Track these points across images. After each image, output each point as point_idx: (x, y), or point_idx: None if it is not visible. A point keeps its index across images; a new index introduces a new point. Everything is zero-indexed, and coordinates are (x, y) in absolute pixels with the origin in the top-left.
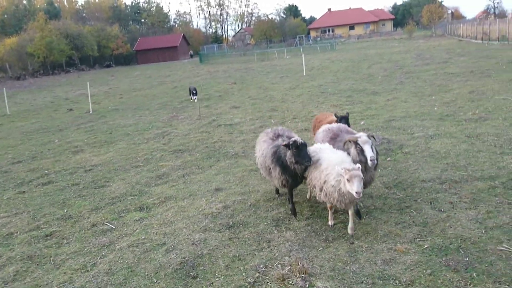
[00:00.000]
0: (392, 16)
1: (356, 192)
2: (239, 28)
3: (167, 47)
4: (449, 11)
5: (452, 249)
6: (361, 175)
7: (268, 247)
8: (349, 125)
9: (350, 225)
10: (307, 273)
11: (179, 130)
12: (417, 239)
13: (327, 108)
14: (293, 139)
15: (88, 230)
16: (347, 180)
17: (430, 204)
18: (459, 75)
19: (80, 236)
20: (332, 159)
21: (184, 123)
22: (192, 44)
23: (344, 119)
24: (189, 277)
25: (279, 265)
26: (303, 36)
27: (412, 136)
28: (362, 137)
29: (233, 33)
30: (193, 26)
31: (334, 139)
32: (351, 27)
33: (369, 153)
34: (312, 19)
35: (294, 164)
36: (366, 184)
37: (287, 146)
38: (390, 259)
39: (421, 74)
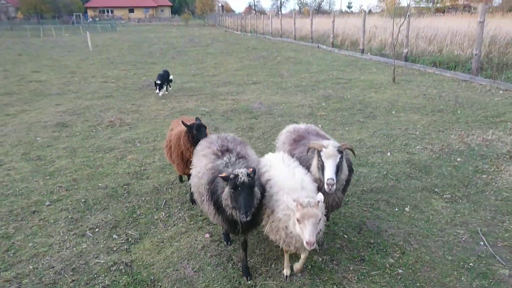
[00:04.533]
0: (170, 4)
1: (306, 242)
2: None
3: None
4: (220, 4)
5: None
6: (319, 215)
7: (100, 117)
8: (202, 135)
9: (298, 263)
10: (122, 119)
11: None
12: None
13: (118, 72)
14: (236, 171)
15: None
16: (297, 220)
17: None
18: (213, 54)
19: None
20: (285, 181)
21: None
22: None
23: (193, 127)
24: (64, 127)
25: (109, 117)
26: (80, 14)
27: (175, 83)
28: (328, 147)
29: None
30: None
31: (297, 143)
32: (131, 9)
33: (328, 173)
34: None
35: (231, 208)
36: (328, 207)
37: (225, 179)
38: None
39: (188, 52)
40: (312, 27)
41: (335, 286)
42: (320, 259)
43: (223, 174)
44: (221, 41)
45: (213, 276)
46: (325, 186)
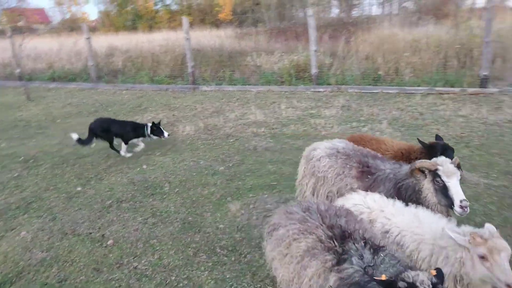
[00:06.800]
0: None
1: (508, 285)
2: None
3: None
4: None
5: None
6: (510, 249)
7: None
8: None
9: None
10: None
11: None
12: None
13: None
14: (411, 277)
15: None
16: (482, 258)
17: None
18: None
19: None
20: (419, 229)
21: None
22: None
23: (447, 150)
24: None
25: None
26: None
27: None
28: (445, 164)
29: None
30: None
31: (367, 176)
32: None
33: (459, 193)
34: None
35: None
36: None
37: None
38: None
39: None
40: None
41: None
42: None
43: (383, 277)
44: None
45: (67, 246)
46: (457, 209)
